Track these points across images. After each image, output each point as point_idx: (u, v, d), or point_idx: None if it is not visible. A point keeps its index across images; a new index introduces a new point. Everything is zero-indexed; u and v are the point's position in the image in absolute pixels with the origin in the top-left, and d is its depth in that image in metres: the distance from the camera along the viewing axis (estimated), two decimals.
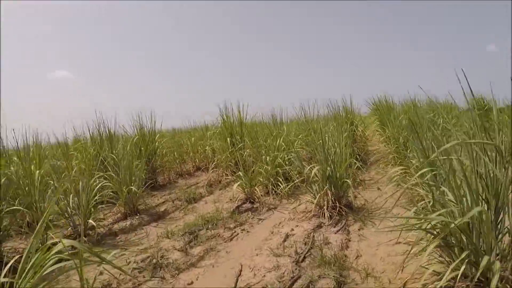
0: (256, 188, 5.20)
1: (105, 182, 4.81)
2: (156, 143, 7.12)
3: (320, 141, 4.48)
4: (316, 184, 4.42)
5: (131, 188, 4.81)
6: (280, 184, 5.36)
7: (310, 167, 4.35)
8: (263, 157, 5.72)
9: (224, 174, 6.98)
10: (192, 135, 9.30)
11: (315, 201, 4.19)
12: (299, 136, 7.47)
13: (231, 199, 5.40)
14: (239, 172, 5.32)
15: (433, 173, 2.34)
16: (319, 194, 4.23)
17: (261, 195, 5.27)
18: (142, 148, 6.69)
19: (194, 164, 8.55)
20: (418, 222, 2.19)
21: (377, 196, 5.13)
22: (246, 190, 5.19)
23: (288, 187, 4.73)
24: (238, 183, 5.11)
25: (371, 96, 10.90)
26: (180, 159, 8.16)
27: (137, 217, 4.85)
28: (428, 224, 2.10)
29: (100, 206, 4.83)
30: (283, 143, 6.08)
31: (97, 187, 4.48)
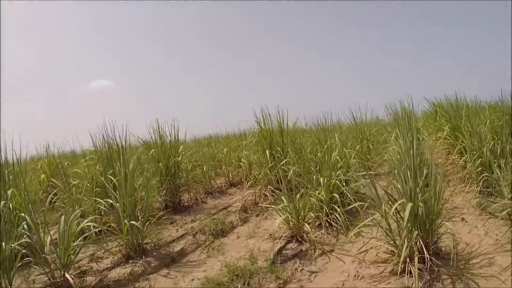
0: (305, 223, 3.79)
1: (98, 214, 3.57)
2: (180, 157, 5.84)
3: (406, 158, 3.02)
4: (398, 225, 2.94)
5: (134, 224, 3.49)
6: (336, 214, 3.92)
7: (396, 206, 2.88)
8: (313, 177, 4.30)
9: (262, 194, 5.60)
10: (225, 145, 7.99)
11: (402, 255, 2.69)
12: (357, 148, 6.01)
13: (271, 235, 4.00)
14: (283, 198, 3.94)
15: None
16: (405, 245, 2.74)
17: (311, 229, 3.85)
18: (161, 164, 5.41)
19: (227, 179, 7.22)
20: None
21: (466, 231, 3.64)
22: (291, 223, 3.80)
23: (357, 229, 3.24)
24: (282, 217, 3.71)
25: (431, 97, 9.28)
26: (209, 174, 6.84)
27: (141, 261, 3.53)
28: None
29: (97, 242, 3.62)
30: (337, 158, 4.63)
31: (83, 224, 3.22)
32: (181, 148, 5.98)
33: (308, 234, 3.71)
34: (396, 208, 2.90)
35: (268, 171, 5.53)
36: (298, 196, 3.94)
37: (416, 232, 2.78)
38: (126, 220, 3.55)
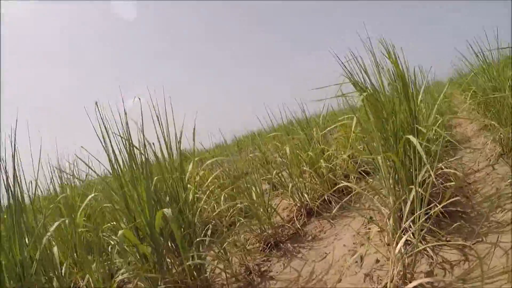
0: None
1: None
2: (191, 191, 2.40)
3: None
4: None
5: None
6: None
7: None
8: None
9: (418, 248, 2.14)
10: (279, 141, 4.48)
11: None
12: None
13: None
14: None
15: None
16: None
17: None
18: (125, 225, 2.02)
19: (297, 203, 3.70)
20: None
21: None
22: None
23: None
24: None
25: None
26: (266, 201, 3.38)
27: None
28: None
29: None
30: None
31: None
32: (189, 168, 2.51)
33: None
34: None
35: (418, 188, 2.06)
36: None
37: None
38: None
